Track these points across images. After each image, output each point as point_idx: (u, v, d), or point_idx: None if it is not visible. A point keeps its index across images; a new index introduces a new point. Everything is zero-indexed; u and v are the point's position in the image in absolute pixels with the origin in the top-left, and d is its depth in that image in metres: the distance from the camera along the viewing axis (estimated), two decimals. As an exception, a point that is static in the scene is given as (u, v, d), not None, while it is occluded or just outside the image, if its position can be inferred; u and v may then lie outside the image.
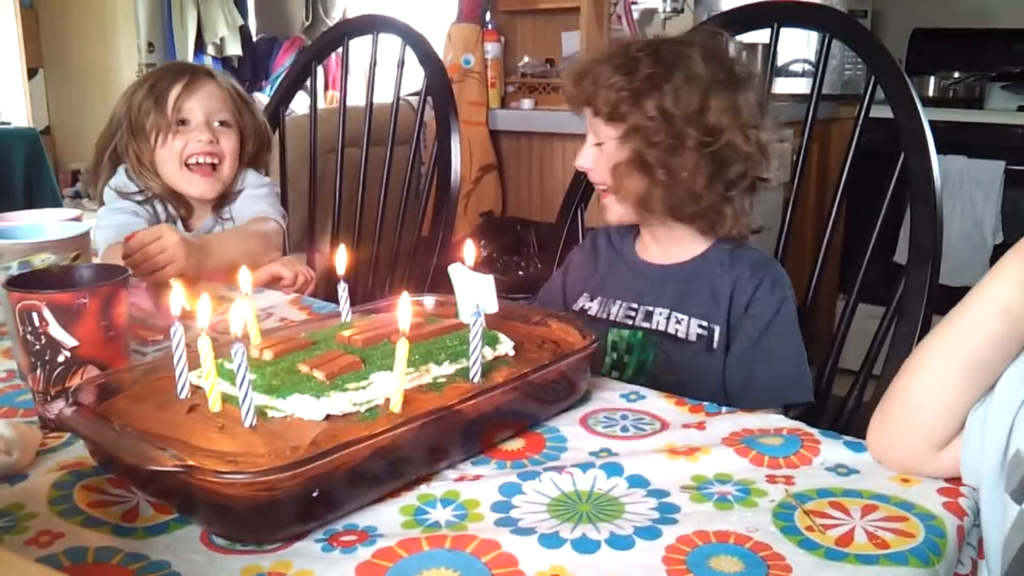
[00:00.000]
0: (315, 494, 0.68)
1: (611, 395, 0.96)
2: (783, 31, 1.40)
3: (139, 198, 1.60)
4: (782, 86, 3.02)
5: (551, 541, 0.67)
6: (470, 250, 0.95)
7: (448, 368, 0.84)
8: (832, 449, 0.82)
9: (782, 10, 1.41)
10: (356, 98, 2.03)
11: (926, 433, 0.77)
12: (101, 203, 1.64)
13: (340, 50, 1.98)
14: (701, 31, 1.27)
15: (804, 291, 1.33)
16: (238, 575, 0.64)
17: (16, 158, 4.58)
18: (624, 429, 0.87)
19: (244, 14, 4.29)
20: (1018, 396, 0.73)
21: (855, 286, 1.33)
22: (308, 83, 2.05)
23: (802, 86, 3.03)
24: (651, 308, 1.21)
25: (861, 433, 0.83)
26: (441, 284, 0.99)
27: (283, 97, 2.04)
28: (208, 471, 0.66)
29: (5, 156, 4.52)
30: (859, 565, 0.64)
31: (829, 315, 3.02)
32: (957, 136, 2.89)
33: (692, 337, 1.17)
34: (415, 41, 1.86)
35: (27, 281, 0.90)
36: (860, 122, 1.35)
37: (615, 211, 1.23)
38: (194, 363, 0.78)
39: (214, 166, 1.59)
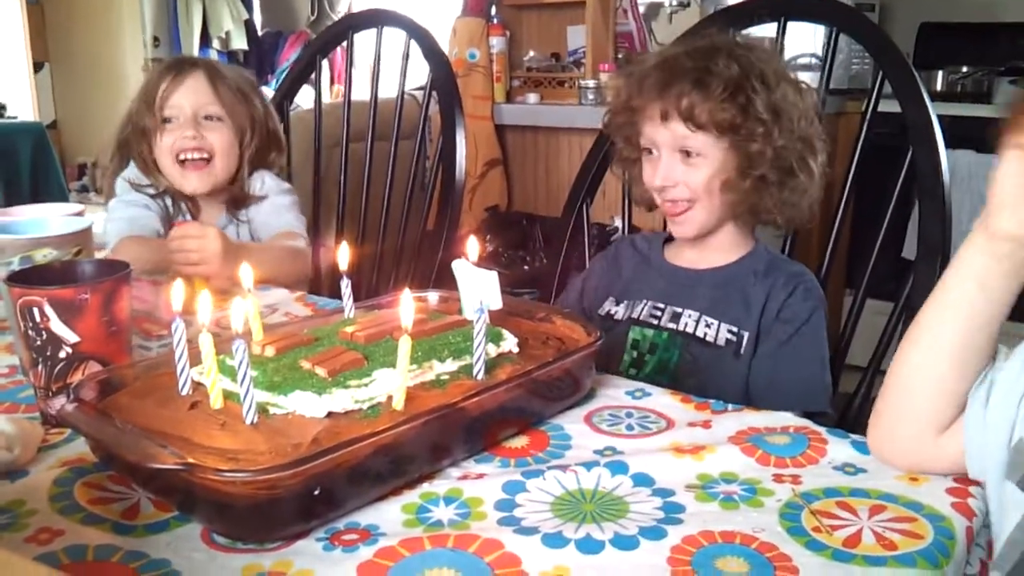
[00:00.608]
0: (316, 492, 0.68)
1: (616, 392, 0.95)
2: (789, 25, 1.39)
3: (151, 191, 1.60)
4: (789, 80, 2.99)
5: (555, 541, 0.66)
6: (474, 246, 0.94)
7: (451, 365, 0.83)
8: (839, 448, 0.81)
9: (789, 4, 1.40)
10: (361, 93, 2.02)
11: (925, 417, 0.77)
12: (111, 195, 1.63)
13: (345, 44, 1.98)
14: (717, 34, 1.25)
15: (811, 287, 1.32)
16: (239, 574, 0.64)
17: (23, 152, 4.58)
18: (629, 427, 0.86)
19: (249, 8, 4.29)
20: (1017, 387, 0.72)
21: (863, 282, 1.32)
22: (313, 77, 2.04)
23: (808, 80, 3.00)
24: (679, 309, 1.20)
25: (868, 430, 0.82)
26: (446, 279, 0.98)
27: (288, 92, 2.03)
28: (208, 469, 0.65)
29: (12, 150, 4.53)
30: (867, 567, 0.63)
31: (836, 311, 3.00)
32: (965, 130, 2.87)
33: (721, 341, 1.16)
34: (420, 35, 1.85)
35: (28, 277, 0.90)
36: (868, 117, 1.33)
37: (696, 222, 1.19)
38: (196, 359, 0.78)
39: (207, 160, 1.57)
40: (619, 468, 0.77)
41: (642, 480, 0.76)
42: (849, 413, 1.26)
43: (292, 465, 0.65)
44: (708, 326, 1.17)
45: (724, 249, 1.22)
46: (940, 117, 1.27)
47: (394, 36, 1.90)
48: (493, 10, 3.10)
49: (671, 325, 1.20)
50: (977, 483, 0.75)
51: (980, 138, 2.95)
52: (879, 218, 1.32)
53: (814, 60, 3.06)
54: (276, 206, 1.65)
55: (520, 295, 2.42)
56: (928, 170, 1.24)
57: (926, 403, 0.77)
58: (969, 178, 2.98)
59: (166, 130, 1.56)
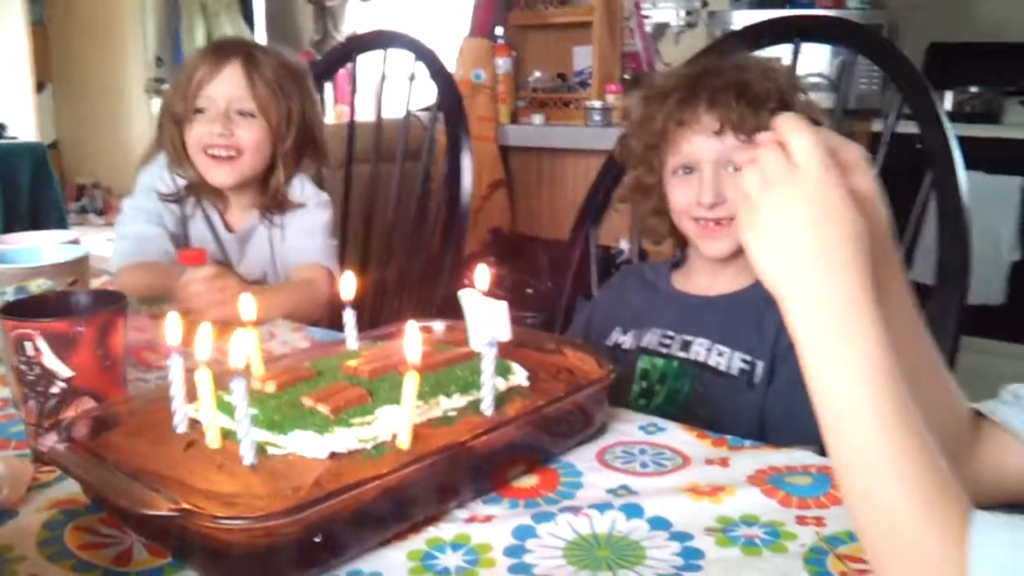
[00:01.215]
0: (317, 539, 0.64)
1: (629, 427, 0.91)
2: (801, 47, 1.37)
3: (171, 197, 1.54)
4: (797, 101, 2.97)
5: (569, 591, 0.63)
6: (483, 274, 0.90)
7: (459, 400, 0.80)
8: (864, 488, 0.77)
9: (803, 25, 1.37)
10: (365, 114, 2.00)
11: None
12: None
13: (349, 66, 1.96)
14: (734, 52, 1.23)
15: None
16: (235, 627, 0.60)
17: (22, 172, 4.57)
18: (643, 465, 0.83)
19: (253, 29, 4.28)
20: None
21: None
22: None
23: (817, 100, 2.98)
24: (690, 338, 1.17)
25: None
26: (452, 305, 0.95)
27: (291, 113, 2.01)
28: (204, 516, 0.62)
29: (11, 170, 4.51)
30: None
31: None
32: (974, 151, 2.84)
33: (734, 371, 1.12)
34: (426, 56, 1.83)
35: (22, 308, 0.87)
36: (886, 139, 1.30)
37: (736, 238, 1.16)
38: (193, 395, 0.74)
39: (234, 156, 1.50)
40: (634, 511, 0.74)
41: (659, 523, 0.72)
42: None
43: (292, 511, 0.62)
44: (720, 355, 1.14)
45: (736, 274, 1.18)
46: (949, 138, 1.24)
47: (399, 57, 1.88)
48: (500, 31, 3.08)
49: (681, 354, 1.16)
50: None
51: (989, 159, 2.93)
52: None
53: (822, 80, 3.04)
54: (311, 225, 1.58)
55: (524, 319, 2.39)
56: (947, 194, 1.21)
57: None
58: (978, 199, 2.95)
59: (197, 120, 1.49)
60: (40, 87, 5.39)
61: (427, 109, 1.96)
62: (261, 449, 0.71)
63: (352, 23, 4.14)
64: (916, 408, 0.56)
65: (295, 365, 0.86)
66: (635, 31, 3.01)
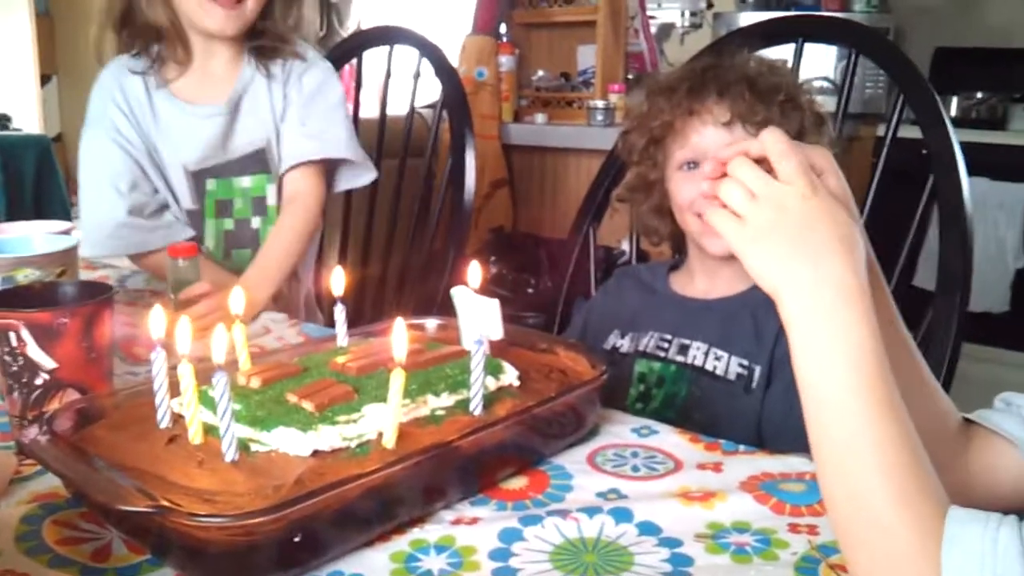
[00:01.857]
0: (297, 538, 0.63)
1: (621, 429, 0.90)
2: (804, 47, 1.35)
3: (141, 68, 1.47)
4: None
5: (553, 596, 0.61)
6: (475, 272, 0.89)
7: (447, 399, 0.79)
8: (859, 495, 0.76)
9: (807, 25, 1.36)
10: (369, 111, 1.98)
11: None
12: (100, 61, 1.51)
13: (354, 62, 1.94)
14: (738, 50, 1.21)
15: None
16: (211, 627, 0.59)
17: (27, 165, 4.56)
18: (635, 468, 0.81)
19: (258, 23, 4.26)
20: None
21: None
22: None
23: (822, 103, 2.97)
24: (687, 341, 1.15)
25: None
26: (452, 304, 0.94)
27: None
28: (181, 513, 0.60)
29: (15, 162, 4.51)
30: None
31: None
32: (979, 158, 2.82)
33: (731, 376, 1.11)
34: (432, 53, 1.81)
35: (6, 298, 0.86)
36: (888, 142, 1.29)
37: None
38: (178, 389, 0.73)
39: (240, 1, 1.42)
40: (623, 515, 0.72)
41: (648, 528, 0.71)
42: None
43: (272, 510, 0.61)
44: (718, 359, 1.12)
45: (734, 277, 1.17)
46: (953, 144, 1.22)
47: (404, 54, 1.86)
48: (503, 28, 3.07)
49: (679, 358, 1.15)
50: None
51: (994, 165, 2.91)
52: (892, 245, 1.28)
53: (827, 84, 3.03)
54: (328, 100, 1.51)
55: (524, 319, 2.37)
56: (950, 199, 1.19)
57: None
58: (983, 206, 2.94)
59: None
60: (45, 79, 5.38)
61: (431, 106, 1.95)
62: (244, 446, 0.69)
63: (356, 19, 4.13)
64: (902, 403, 0.57)
65: (282, 361, 0.85)
66: (640, 31, 3.00)
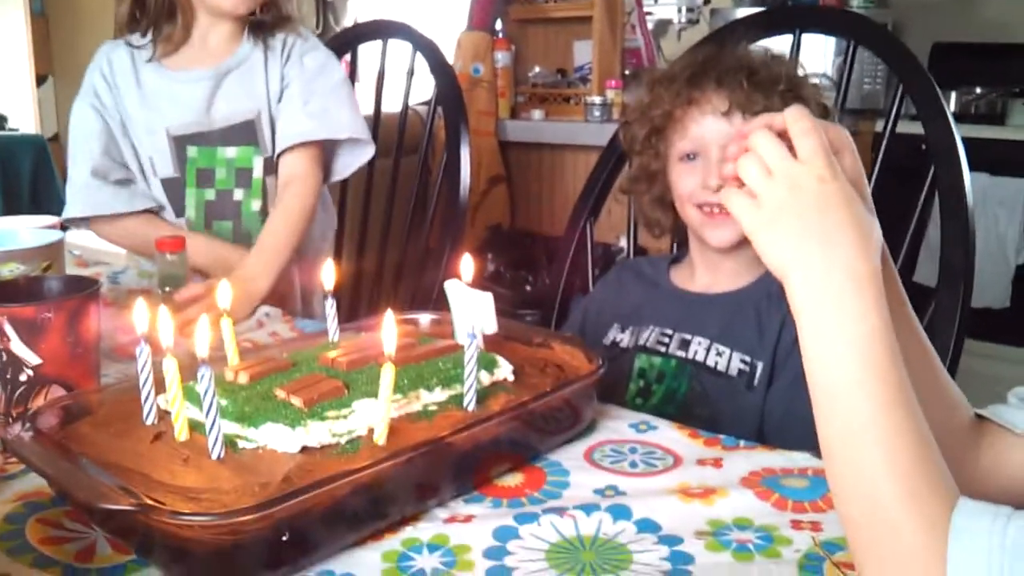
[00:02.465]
0: (285, 537, 0.61)
1: (619, 424, 0.88)
2: (803, 41, 1.33)
3: (136, 42, 1.50)
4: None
5: (549, 595, 0.60)
6: (468, 265, 0.87)
7: (440, 394, 0.77)
8: (862, 491, 0.74)
9: (804, 15, 1.34)
10: (364, 106, 1.96)
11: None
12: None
13: (349, 56, 1.92)
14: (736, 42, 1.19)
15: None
16: (195, 628, 0.57)
17: (23, 165, 4.55)
18: (633, 464, 0.79)
19: (253, 20, 4.24)
20: None
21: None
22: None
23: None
24: (688, 336, 1.13)
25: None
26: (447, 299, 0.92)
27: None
28: (165, 511, 0.59)
29: (12, 162, 4.49)
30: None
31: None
32: (979, 153, 2.81)
33: (733, 372, 1.09)
34: (427, 48, 1.79)
35: (-10, 293, 0.84)
36: (887, 135, 1.27)
37: (738, 226, 1.12)
38: (164, 386, 0.71)
39: None
40: (622, 513, 0.70)
41: (647, 526, 0.69)
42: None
43: (258, 508, 0.59)
44: (719, 355, 1.10)
45: (736, 271, 1.15)
46: (953, 138, 1.21)
47: (398, 49, 1.84)
48: (499, 24, 3.05)
49: (680, 353, 1.13)
50: None
51: (994, 161, 2.90)
52: (893, 241, 1.26)
53: (825, 80, 3.01)
54: (331, 79, 1.53)
55: (522, 316, 2.36)
56: (952, 192, 1.17)
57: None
58: (983, 201, 2.92)
59: None
60: (41, 79, 5.36)
61: (426, 103, 1.93)
62: (231, 442, 0.68)
63: (352, 15, 4.11)
64: (912, 393, 0.55)
65: (272, 355, 0.83)
66: (636, 27, 2.98)
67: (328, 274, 0.88)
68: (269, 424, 0.68)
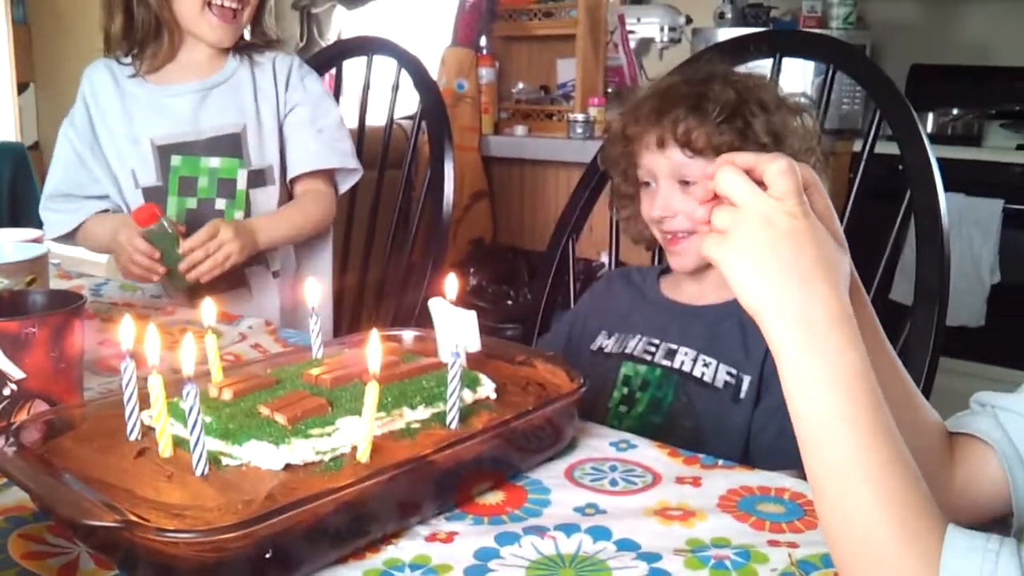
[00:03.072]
0: (268, 555, 0.61)
1: (600, 443, 0.89)
2: (783, 62, 1.36)
3: (130, 72, 1.55)
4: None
5: (529, 613, 0.60)
6: (452, 284, 0.88)
7: (423, 412, 0.78)
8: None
9: (785, 40, 1.36)
10: (349, 120, 1.98)
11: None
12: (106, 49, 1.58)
13: (334, 71, 1.94)
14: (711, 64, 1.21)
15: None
16: (178, 645, 0.57)
17: (2, 173, 4.53)
18: (613, 483, 0.80)
19: (237, 33, 4.24)
20: None
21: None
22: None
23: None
24: (675, 346, 1.15)
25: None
26: (430, 316, 0.93)
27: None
28: (148, 528, 0.59)
29: (-10, 170, 4.47)
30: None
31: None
32: (955, 174, 2.85)
33: (719, 384, 1.10)
34: (411, 64, 1.81)
35: (-27, 307, 0.84)
36: (865, 156, 1.29)
37: (695, 253, 1.13)
38: (148, 402, 0.72)
39: (235, 12, 1.52)
40: (602, 534, 0.71)
41: (626, 545, 0.70)
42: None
43: (241, 525, 0.59)
44: (706, 365, 1.12)
45: (722, 284, 1.16)
46: (930, 160, 1.23)
47: (383, 65, 1.86)
48: (483, 41, 3.07)
49: (665, 362, 1.14)
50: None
51: (970, 182, 2.94)
52: (869, 260, 1.28)
53: (804, 100, 3.05)
54: (335, 110, 1.63)
55: (504, 330, 2.36)
56: (927, 214, 1.19)
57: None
58: (959, 222, 2.96)
59: None
60: (22, 87, 5.34)
61: (411, 117, 1.94)
62: (215, 459, 0.68)
63: (336, 29, 4.12)
64: (893, 423, 0.56)
65: (255, 372, 0.84)
66: (619, 45, 3.01)
67: (312, 291, 0.89)
68: (253, 441, 0.68)
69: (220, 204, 1.55)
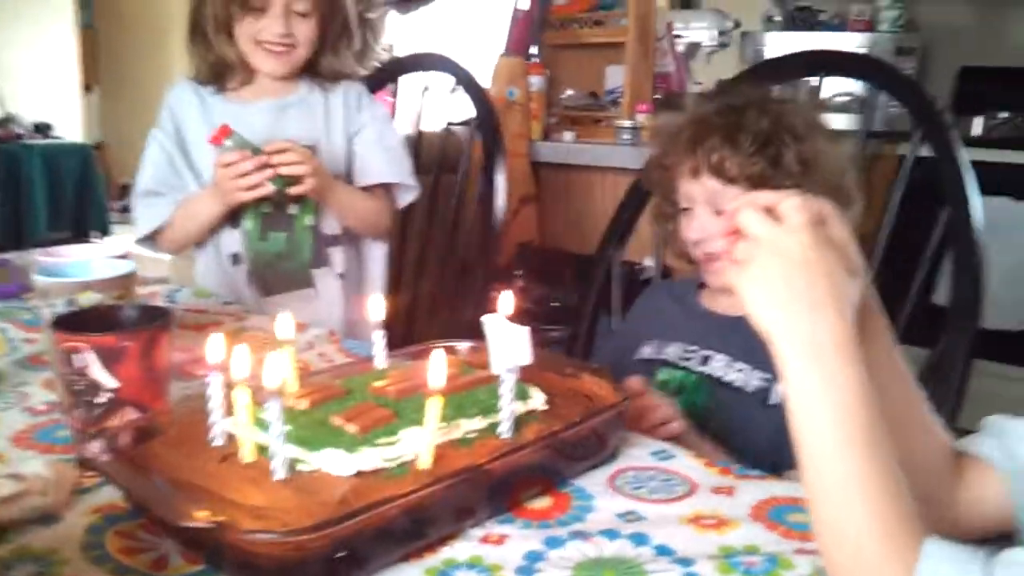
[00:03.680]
0: (341, 554, 0.69)
1: (641, 452, 0.95)
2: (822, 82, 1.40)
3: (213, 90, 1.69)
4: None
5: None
6: (507, 301, 0.95)
7: (479, 423, 0.84)
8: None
9: (827, 61, 1.40)
10: (407, 129, 2.06)
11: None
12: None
13: (393, 86, 2.02)
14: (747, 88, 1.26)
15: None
16: (262, 632, 0.65)
17: (68, 171, 4.68)
18: (652, 491, 0.87)
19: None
20: None
21: (896, 329, 1.31)
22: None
23: (844, 121, 2.99)
24: (709, 353, 1.21)
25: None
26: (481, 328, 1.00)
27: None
28: (236, 530, 0.67)
29: (57, 169, 4.62)
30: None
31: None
32: (1002, 177, 2.84)
33: (751, 388, 1.16)
34: (466, 80, 1.88)
35: (71, 320, 0.92)
36: (905, 171, 1.33)
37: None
38: (232, 409, 0.79)
39: (285, 47, 1.63)
40: (641, 540, 0.77)
41: (663, 551, 0.76)
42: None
43: (319, 527, 0.66)
44: (739, 371, 1.17)
45: None
46: (976, 164, 1.27)
47: (439, 79, 1.94)
48: (534, 49, 3.12)
49: (700, 368, 1.20)
50: None
51: (1018, 185, 2.93)
52: (911, 261, 1.32)
53: (851, 100, 3.05)
54: (397, 133, 1.76)
55: (549, 331, 2.42)
56: (962, 231, 1.23)
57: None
58: (1007, 226, 2.95)
59: (253, 16, 1.59)
60: (88, 89, 5.51)
61: (465, 123, 2.02)
62: (291, 465, 0.75)
63: (390, 35, 4.20)
64: (891, 447, 0.62)
65: (327, 382, 0.91)
66: (668, 51, 3.04)
67: (376, 306, 0.96)
68: (328, 449, 0.76)
69: (292, 209, 1.66)
